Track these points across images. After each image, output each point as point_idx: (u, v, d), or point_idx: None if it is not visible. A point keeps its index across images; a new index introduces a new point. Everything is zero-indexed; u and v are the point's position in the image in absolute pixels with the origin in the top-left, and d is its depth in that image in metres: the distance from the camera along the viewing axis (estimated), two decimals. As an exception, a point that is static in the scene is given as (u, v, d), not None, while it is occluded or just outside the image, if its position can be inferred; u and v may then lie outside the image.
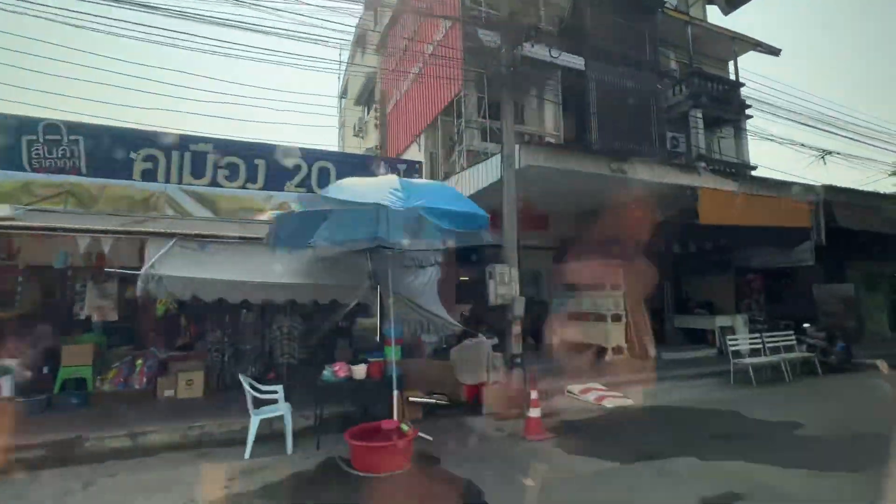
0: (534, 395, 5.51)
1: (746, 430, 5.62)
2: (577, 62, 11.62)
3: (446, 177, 11.06)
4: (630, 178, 8.54)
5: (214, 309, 6.98)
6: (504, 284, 6.98)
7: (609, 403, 6.94)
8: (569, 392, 7.61)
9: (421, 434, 5.28)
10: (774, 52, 18.16)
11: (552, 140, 12.66)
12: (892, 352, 11.91)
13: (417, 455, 4.71)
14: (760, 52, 18.07)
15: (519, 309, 7.01)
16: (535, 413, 5.43)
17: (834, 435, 5.33)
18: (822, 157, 12.15)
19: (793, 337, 9.53)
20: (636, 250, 12.33)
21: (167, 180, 7.95)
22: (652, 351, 10.68)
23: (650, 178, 8.70)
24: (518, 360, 7.00)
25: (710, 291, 13.06)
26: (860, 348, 12.56)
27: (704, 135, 16.29)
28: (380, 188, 4.66)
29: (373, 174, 9.53)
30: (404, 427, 4.71)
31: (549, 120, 12.75)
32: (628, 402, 7.07)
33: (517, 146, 7.54)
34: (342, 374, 5.18)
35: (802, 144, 11.78)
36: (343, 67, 19.75)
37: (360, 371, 5.30)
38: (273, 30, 7.36)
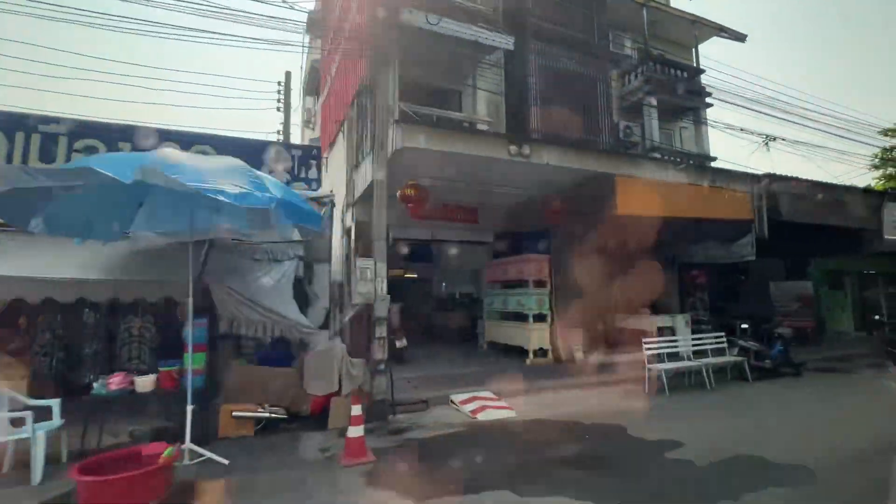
0: (356, 410, 4.67)
1: (613, 452, 4.79)
2: (500, 41, 10.72)
3: (358, 164, 10.22)
4: (535, 164, 7.69)
5: (47, 308, 6.16)
6: (366, 281, 6.13)
7: (485, 416, 6.11)
8: (452, 402, 6.79)
9: (213, 457, 4.48)
10: (740, 37, 17.25)
11: (485, 127, 11.81)
12: (846, 353, 11.12)
13: (180, 488, 3.89)
14: (725, 37, 17.16)
15: (381, 310, 6.17)
16: (354, 432, 4.59)
17: (709, 458, 4.50)
18: (766, 143, 11.28)
19: (723, 339, 8.69)
20: (571, 245, 11.52)
21: (9, 165, 7.11)
22: (579, 354, 9.84)
23: (559, 163, 7.85)
24: (382, 366, 6.17)
25: (657, 289, 12.18)
26: (817, 349, 11.74)
27: (659, 124, 15.43)
28: (130, 161, 3.86)
29: (262, 160, 8.74)
30: (167, 452, 3.87)
31: (482, 106, 11.87)
32: (509, 414, 6.24)
33: (392, 125, 6.70)
34: (116, 385, 4.34)
35: (742, 129, 10.87)
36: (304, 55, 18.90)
37: (145, 383, 4.46)
38: (227, 12, 6.53)
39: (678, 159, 12.62)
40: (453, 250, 15.38)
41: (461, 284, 14.44)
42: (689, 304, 11.66)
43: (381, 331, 6.17)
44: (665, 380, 7.40)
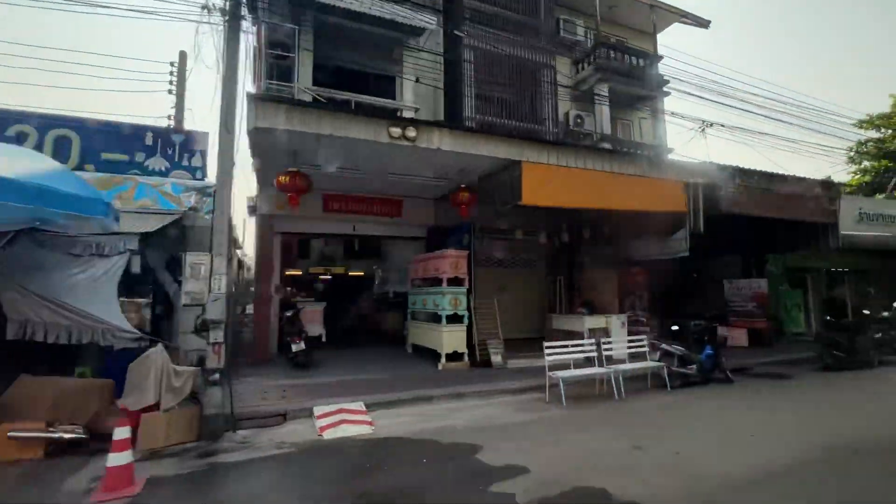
0: (120, 433, 3.89)
1: (436, 481, 4.02)
2: (420, 20, 9.95)
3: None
4: (425, 149, 6.92)
5: None
6: (197, 279, 5.35)
7: (332, 434, 5.34)
8: (314, 414, 6.02)
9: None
10: (703, 23, 16.44)
11: (412, 114, 11.02)
12: (797, 356, 10.33)
13: None
14: (687, 23, 16.37)
15: (215, 311, 5.37)
16: (114, 461, 3.81)
17: (540, 492, 3.74)
18: (702, 129, 10.49)
19: (644, 343, 7.92)
20: (493, 239, 10.77)
21: None
22: (497, 358, 9.07)
23: (453, 148, 7.06)
24: (216, 375, 5.39)
25: (596, 288, 11.42)
26: (769, 352, 10.97)
27: (617, 114, 14.67)
28: None
29: (135, 146, 7.97)
30: None
31: (409, 92, 11.08)
32: (364, 431, 5.46)
33: (246, 102, 5.92)
34: None
35: (674, 114, 10.08)
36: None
37: None
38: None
39: (607, 144, 11.86)
40: (391, 247, 14.66)
41: (397, 283, 13.67)
42: (629, 304, 10.88)
43: (215, 335, 5.38)
44: (563, 389, 6.62)
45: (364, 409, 6.19)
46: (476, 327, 9.34)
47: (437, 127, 7.03)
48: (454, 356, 8.95)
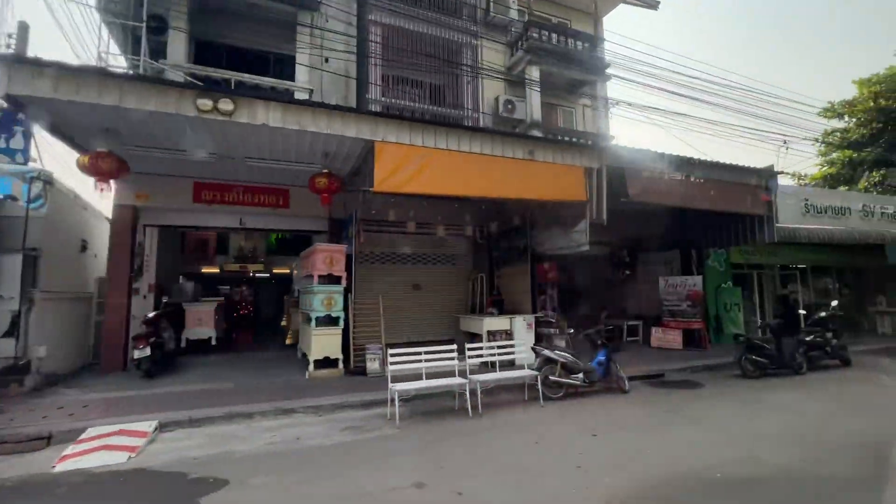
0: None
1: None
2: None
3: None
4: (246, 124, 5.95)
5: None
6: None
7: (69, 465, 4.37)
8: (80, 438, 5.06)
9: None
10: (652, 4, 15.42)
11: (305, 95, 10.04)
12: (723, 361, 9.35)
13: None
14: (634, 4, 15.34)
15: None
16: None
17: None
18: (604, 110, 9.49)
19: (511, 349, 6.96)
20: (379, 232, 9.82)
21: None
22: (374, 365, 8.11)
23: (283, 124, 6.08)
24: (-70, 395, 4.42)
25: (509, 286, 10.46)
26: (699, 356, 10.00)
27: (554, 99, 13.69)
28: None
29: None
30: None
31: (302, 73, 10.09)
32: (114, 460, 4.49)
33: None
34: None
35: (596, 98, 9.07)
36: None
37: None
38: None
39: (536, 131, 10.88)
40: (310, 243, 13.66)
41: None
42: (540, 303, 9.91)
43: (-71, 345, 4.41)
44: (397, 405, 5.66)
45: (150, 430, 5.22)
46: (353, 330, 8.37)
47: (262, 100, 6.04)
48: (326, 362, 7.99)
